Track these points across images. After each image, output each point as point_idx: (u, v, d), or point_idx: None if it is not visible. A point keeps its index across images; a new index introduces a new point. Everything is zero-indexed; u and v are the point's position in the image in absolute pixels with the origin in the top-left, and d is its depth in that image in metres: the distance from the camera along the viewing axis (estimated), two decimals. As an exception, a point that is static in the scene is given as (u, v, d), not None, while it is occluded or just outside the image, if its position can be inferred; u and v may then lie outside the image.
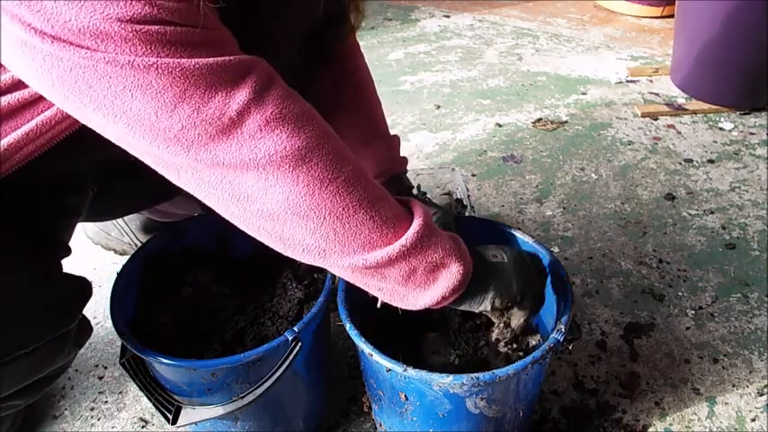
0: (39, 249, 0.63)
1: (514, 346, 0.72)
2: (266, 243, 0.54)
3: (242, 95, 0.47)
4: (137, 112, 0.46)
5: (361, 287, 0.58)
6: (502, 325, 0.69)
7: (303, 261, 0.54)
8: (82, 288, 0.68)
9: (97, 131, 0.49)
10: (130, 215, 1.13)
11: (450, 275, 0.57)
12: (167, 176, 0.51)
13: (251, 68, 0.48)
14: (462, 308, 0.62)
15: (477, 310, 0.63)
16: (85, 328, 0.72)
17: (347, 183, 0.51)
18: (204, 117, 0.46)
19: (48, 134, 0.54)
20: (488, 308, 0.63)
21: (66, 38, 0.43)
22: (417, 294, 0.57)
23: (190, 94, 0.45)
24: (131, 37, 0.43)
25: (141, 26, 0.43)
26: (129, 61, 0.44)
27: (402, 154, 0.87)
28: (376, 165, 0.82)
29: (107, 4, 0.42)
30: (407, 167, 0.88)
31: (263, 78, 0.49)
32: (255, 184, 0.49)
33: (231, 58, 0.47)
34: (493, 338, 0.72)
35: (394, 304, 0.59)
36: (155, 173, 0.51)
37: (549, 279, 0.75)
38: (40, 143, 0.54)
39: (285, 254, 0.54)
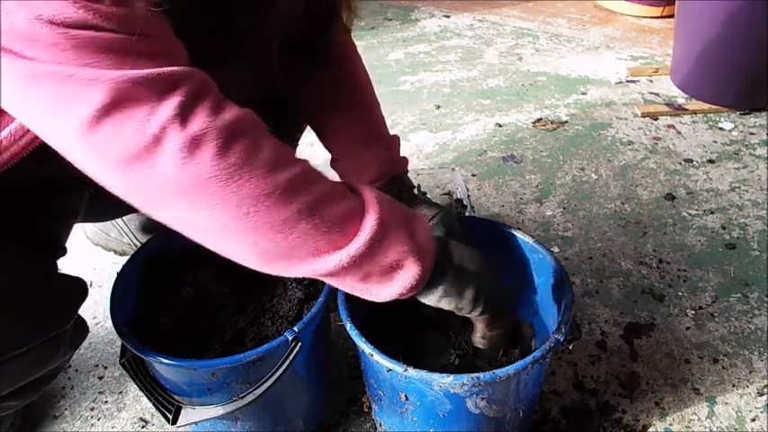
0: (35, 250, 0.63)
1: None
2: None
3: (165, 111, 0.43)
4: (62, 125, 0.42)
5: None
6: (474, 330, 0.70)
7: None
8: (77, 288, 0.67)
9: None
10: (129, 215, 1.13)
11: (408, 276, 0.54)
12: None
13: (180, 81, 0.44)
14: (421, 299, 0.61)
15: (430, 304, 0.62)
16: (81, 328, 0.72)
17: (285, 193, 0.47)
18: (125, 135, 0.42)
19: (30, 134, 0.52)
20: (434, 305, 0.61)
21: None
22: (378, 290, 0.55)
23: (113, 107, 0.42)
24: (60, 41, 0.40)
25: (72, 30, 0.40)
26: (49, 71, 0.40)
27: (402, 154, 0.87)
28: (376, 166, 0.82)
29: (39, 4, 0.39)
30: (408, 168, 0.88)
31: (191, 91, 0.45)
32: (184, 209, 0.46)
33: (162, 70, 0.43)
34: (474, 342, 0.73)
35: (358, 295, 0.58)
36: None
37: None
38: (23, 144, 0.52)
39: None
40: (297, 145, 0.99)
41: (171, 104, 0.43)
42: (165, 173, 0.44)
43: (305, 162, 0.51)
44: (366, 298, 0.57)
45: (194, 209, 0.46)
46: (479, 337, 0.71)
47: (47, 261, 0.65)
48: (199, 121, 0.44)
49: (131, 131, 0.42)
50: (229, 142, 0.45)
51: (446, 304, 0.61)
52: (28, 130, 0.51)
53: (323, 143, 0.87)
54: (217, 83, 0.49)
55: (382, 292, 0.55)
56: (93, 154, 0.44)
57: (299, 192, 0.48)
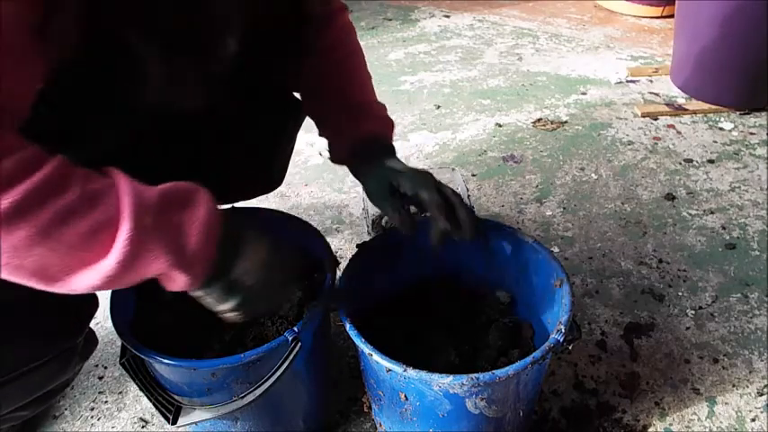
0: None
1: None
2: None
3: None
4: None
5: None
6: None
7: None
8: (89, 300, 0.68)
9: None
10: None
11: (175, 284, 0.52)
12: None
13: None
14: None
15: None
16: (91, 340, 0.73)
17: (7, 220, 0.41)
18: None
19: None
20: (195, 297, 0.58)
21: None
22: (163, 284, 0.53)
23: None
24: None
25: None
26: None
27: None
28: (349, 131, 0.79)
29: None
30: (390, 133, 0.82)
31: None
32: None
33: None
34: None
35: None
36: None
37: None
38: None
39: None
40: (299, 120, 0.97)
41: None
42: None
43: (49, 170, 0.43)
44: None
45: None
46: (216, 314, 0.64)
47: None
48: None
49: None
50: None
51: (205, 303, 0.58)
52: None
53: (307, 113, 0.86)
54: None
55: (167, 287, 0.53)
56: None
57: (25, 216, 0.42)
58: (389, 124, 0.81)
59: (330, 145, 0.82)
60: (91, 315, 0.68)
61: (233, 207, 0.66)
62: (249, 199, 1.02)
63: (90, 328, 0.70)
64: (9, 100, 0.44)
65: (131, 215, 0.46)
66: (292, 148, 1.02)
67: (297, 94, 0.90)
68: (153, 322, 0.77)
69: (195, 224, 0.50)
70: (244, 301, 0.58)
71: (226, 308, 0.58)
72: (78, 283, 0.46)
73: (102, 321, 1.07)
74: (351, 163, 0.79)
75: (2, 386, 0.59)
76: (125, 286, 0.49)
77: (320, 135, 0.85)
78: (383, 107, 0.83)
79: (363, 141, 0.77)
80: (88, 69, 0.50)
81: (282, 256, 0.60)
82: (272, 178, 1.01)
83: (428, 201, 0.68)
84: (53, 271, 0.45)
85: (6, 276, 0.44)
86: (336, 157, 0.81)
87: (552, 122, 1.73)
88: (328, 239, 0.85)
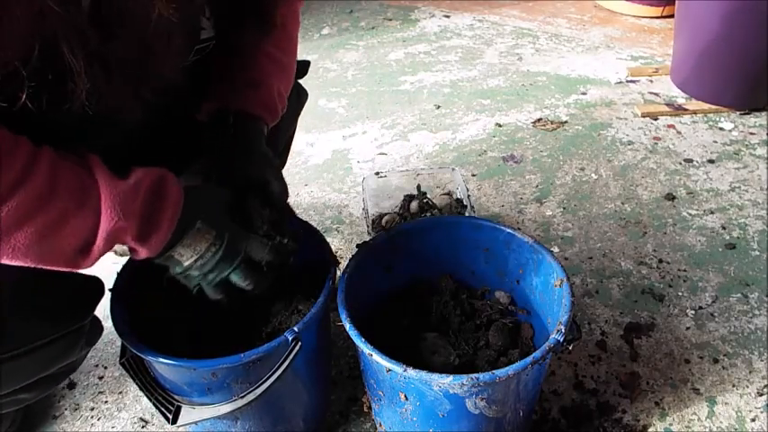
0: None
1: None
2: None
3: None
4: None
5: None
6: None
7: None
8: (96, 285, 0.70)
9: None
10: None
11: (144, 254, 0.58)
12: None
13: None
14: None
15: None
16: (97, 327, 0.73)
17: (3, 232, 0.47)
18: None
19: None
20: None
21: None
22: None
23: None
24: None
25: None
26: None
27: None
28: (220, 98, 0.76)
29: None
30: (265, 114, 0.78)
31: None
32: None
33: None
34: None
35: None
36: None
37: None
38: None
39: None
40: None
41: None
42: None
43: (40, 178, 0.48)
44: None
45: None
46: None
47: None
48: None
49: None
50: None
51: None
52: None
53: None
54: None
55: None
56: None
57: (21, 225, 0.48)
58: (275, 106, 0.78)
59: (206, 101, 0.77)
60: (97, 300, 0.69)
61: (197, 188, 0.66)
62: None
63: (95, 316, 0.71)
64: None
65: (110, 213, 0.52)
66: (293, 133, 1.02)
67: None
68: (153, 322, 0.78)
69: (164, 219, 0.57)
70: (180, 273, 0.63)
71: (171, 274, 0.64)
72: (82, 264, 0.54)
73: (102, 321, 1.07)
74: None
75: (7, 361, 0.60)
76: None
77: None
78: (278, 97, 0.79)
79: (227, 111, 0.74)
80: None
81: (231, 248, 0.63)
82: None
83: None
84: (55, 263, 0.52)
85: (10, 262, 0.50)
86: (207, 112, 0.76)
87: (552, 122, 1.73)
88: (328, 239, 0.85)
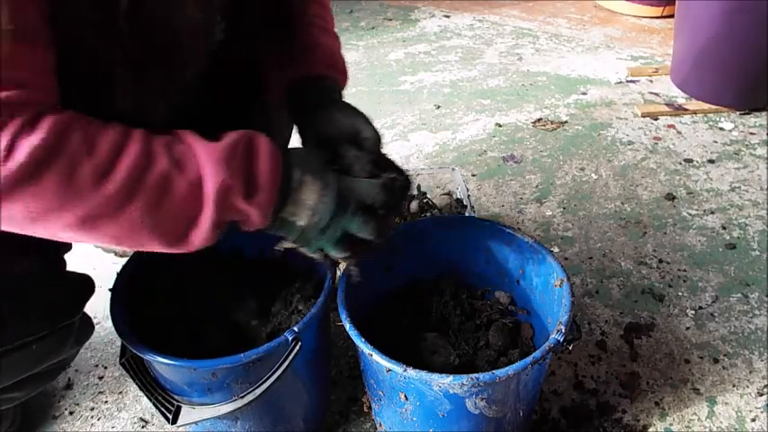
0: (45, 240, 0.64)
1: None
2: None
3: None
4: None
5: None
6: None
7: None
8: (85, 283, 0.70)
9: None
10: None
11: (249, 226, 0.57)
12: None
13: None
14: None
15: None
16: (87, 325, 0.73)
17: (118, 205, 0.49)
18: None
19: None
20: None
21: None
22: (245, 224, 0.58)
23: None
24: None
25: None
26: None
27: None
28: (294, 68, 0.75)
29: None
30: (337, 76, 0.78)
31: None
32: (38, 232, 0.49)
33: None
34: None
35: None
36: None
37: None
38: None
39: None
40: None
41: None
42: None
43: (136, 146, 0.50)
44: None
45: (46, 231, 0.49)
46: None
47: (52, 252, 0.66)
48: (23, 156, 0.45)
49: None
50: (40, 173, 0.45)
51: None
52: None
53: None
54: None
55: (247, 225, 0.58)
56: None
57: (132, 196, 0.49)
58: (337, 63, 0.77)
59: (272, 83, 0.79)
60: (86, 297, 0.69)
61: (289, 148, 0.65)
62: None
63: (86, 314, 0.71)
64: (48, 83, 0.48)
65: (213, 170, 0.52)
66: (290, 133, 1.02)
67: None
68: (153, 322, 0.78)
69: (263, 173, 0.55)
70: (297, 238, 0.60)
71: (288, 243, 0.62)
72: (195, 239, 0.53)
73: (102, 321, 1.07)
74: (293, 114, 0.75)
75: None
76: (222, 231, 0.55)
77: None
78: (335, 51, 0.78)
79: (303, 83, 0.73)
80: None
81: (341, 195, 0.60)
82: None
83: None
84: (149, 243, 0.52)
85: (129, 248, 0.52)
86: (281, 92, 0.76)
87: (552, 122, 1.73)
88: (328, 239, 0.85)
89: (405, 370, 0.63)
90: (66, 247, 0.69)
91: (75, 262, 0.70)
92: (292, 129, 1.03)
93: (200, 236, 0.54)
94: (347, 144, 0.66)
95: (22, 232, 0.49)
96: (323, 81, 0.74)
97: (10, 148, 0.44)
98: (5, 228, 0.48)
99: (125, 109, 0.54)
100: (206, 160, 0.52)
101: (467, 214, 1.19)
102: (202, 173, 0.52)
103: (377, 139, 0.68)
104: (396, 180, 0.64)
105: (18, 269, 0.59)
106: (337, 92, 0.75)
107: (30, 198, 0.46)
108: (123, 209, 0.49)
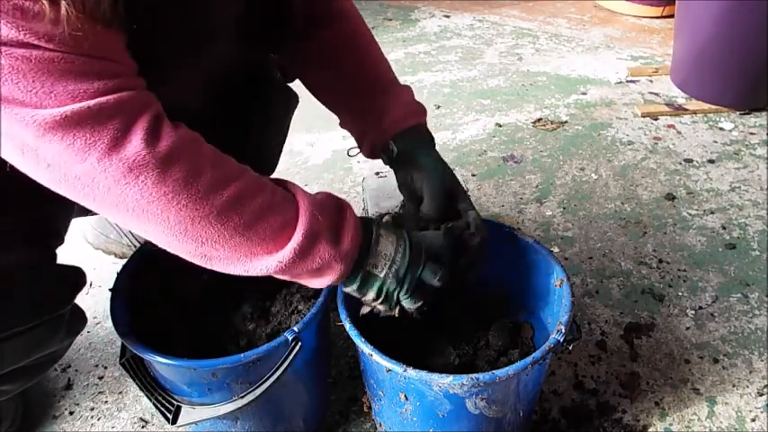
0: (36, 233, 0.65)
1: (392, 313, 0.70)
2: None
3: (102, 144, 0.47)
4: (9, 144, 0.47)
5: None
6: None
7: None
8: (76, 274, 0.70)
9: None
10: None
11: (331, 276, 0.59)
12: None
13: (117, 110, 0.47)
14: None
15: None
16: (80, 316, 0.73)
17: (220, 214, 0.52)
18: (68, 159, 0.47)
19: None
20: (368, 300, 0.65)
21: None
22: (308, 282, 0.61)
23: (63, 128, 0.45)
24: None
25: (8, 49, 0.42)
26: None
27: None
28: (374, 131, 0.79)
29: None
30: (422, 118, 0.82)
31: (127, 120, 0.48)
32: (132, 223, 0.52)
33: (100, 101, 0.46)
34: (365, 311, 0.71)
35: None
36: None
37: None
38: None
39: None
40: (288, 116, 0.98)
41: (107, 135, 0.47)
42: (108, 194, 0.49)
43: (246, 175, 0.56)
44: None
45: (140, 225, 0.52)
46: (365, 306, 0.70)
47: (44, 244, 0.67)
48: (134, 150, 0.48)
49: (73, 156, 0.46)
50: (166, 170, 0.49)
51: (352, 292, 0.65)
52: None
53: (326, 107, 0.86)
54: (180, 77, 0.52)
55: (312, 284, 0.61)
56: (40, 170, 0.48)
57: (234, 211, 0.53)
58: (420, 110, 0.81)
59: (358, 140, 0.83)
60: (77, 289, 0.69)
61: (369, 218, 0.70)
62: None
63: (78, 306, 0.71)
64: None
65: (307, 215, 0.56)
66: (284, 138, 1.02)
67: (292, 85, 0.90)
68: (153, 322, 0.78)
69: (348, 227, 0.60)
70: (380, 290, 0.64)
71: (368, 297, 0.65)
72: (257, 266, 0.56)
73: (102, 321, 1.07)
74: (389, 159, 0.80)
75: None
76: (289, 277, 0.58)
77: (341, 126, 0.85)
78: (408, 90, 0.82)
79: (399, 135, 0.78)
80: None
81: (413, 246, 0.65)
82: (262, 169, 1.01)
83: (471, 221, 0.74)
84: (238, 256, 0.55)
85: (198, 262, 0.56)
86: (368, 152, 0.82)
87: (552, 122, 1.73)
88: (328, 239, 0.85)
89: (405, 370, 0.63)
90: (59, 240, 0.69)
91: (75, 262, 0.70)
92: (284, 137, 1.03)
93: (285, 258, 0.55)
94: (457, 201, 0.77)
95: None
96: (415, 131, 0.79)
97: (155, 133, 0.49)
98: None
99: (164, 98, 0.55)
100: (303, 200, 0.57)
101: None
102: (299, 206, 0.57)
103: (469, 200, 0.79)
104: (456, 227, 0.72)
105: (3, 261, 0.59)
106: (423, 139, 0.80)
107: (152, 184, 0.49)
108: (224, 220, 0.52)
